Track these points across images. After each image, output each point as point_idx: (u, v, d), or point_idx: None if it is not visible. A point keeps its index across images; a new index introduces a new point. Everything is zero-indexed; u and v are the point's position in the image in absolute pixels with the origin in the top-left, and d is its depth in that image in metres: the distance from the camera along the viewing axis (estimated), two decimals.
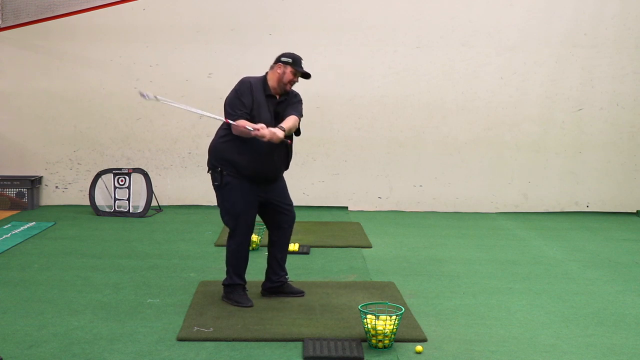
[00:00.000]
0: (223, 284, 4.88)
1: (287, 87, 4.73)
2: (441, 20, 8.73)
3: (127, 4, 8.66)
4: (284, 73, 4.71)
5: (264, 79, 4.77)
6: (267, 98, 4.71)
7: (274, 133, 4.48)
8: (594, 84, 8.81)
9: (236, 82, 4.77)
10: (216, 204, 4.89)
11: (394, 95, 8.81)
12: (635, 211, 8.96)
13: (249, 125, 4.48)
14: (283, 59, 4.73)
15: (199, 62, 8.70)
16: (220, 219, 4.87)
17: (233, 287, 4.81)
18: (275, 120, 4.69)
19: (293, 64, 4.70)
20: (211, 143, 4.84)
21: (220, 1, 8.73)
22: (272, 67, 4.79)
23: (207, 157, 4.87)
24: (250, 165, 4.66)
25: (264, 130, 4.45)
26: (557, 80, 8.80)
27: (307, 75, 4.77)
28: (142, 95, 4.68)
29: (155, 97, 4.69)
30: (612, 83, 8.80)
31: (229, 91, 4.77)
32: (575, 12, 8.72)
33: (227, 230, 4.90)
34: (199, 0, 8.70)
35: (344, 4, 8.74)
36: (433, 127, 8.87)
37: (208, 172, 4.83)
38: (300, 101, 4.88)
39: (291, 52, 4.80)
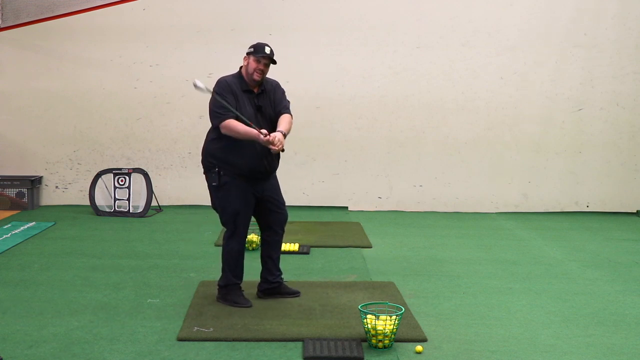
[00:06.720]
0: (218, 285, 4.86)
1: (255, 77, 4.67)
2: (441, 20, 8.73)
3: (127, 4, 8.66)
4: (248, 64, 4.70)
5: (239, 75, 4.75)
6: (245, 93, 4.68)
7: (281, 141, 4.50)
8: (594, 84, 8.80)
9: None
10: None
11: (394, 95, 8.80)
12: (635, 211, 8.95)
13: (257, 131, 4.45)
14: (248, 50, 4.72)
15: (199, 62, 8.68)
16: (219, 219, 4.87)
17: (230, 288, 4.78)
18: (259, 113, 4.68)
19: (254, 52, 4.67)
20: (203, 145, 4.82)
21: (220, 1, 8.73)
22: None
23: None
24: (247, 163, 4.64)
25: (273, 138, 4.46)
26: (557, 80, 8.80)
27: (272, 59, 4.68)
28: (195, 86, 4.61)
29: (208, 89, 4.61)
30: (612, 83, 8.79)
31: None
32: (575, 12, 8.72)
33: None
34: (199, 0, 8.70)
35: (344, 4, 8.73)
36: (433, 127, 8.87)
37: (203, 173, 4.81)
38: (283, 92, 4.85)
39: (258, 41, 4.77)
